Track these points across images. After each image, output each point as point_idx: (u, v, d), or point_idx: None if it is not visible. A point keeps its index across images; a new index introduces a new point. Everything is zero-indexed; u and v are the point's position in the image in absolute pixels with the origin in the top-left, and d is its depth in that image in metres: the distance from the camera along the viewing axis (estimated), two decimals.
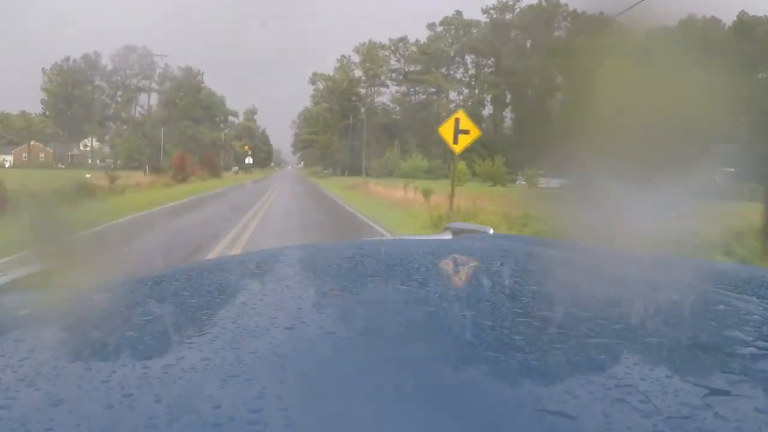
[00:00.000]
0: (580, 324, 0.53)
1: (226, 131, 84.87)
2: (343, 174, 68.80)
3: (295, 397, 0.38)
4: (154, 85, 76.34)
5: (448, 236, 1.25)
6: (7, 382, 0.42)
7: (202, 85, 79.07)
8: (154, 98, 76.49)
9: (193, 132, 74.34)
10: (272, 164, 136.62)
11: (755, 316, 0.58)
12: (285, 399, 0.38)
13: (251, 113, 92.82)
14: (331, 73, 77.58)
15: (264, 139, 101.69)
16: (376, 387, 0.40)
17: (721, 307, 0.61)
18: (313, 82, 78.94)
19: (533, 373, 0.42)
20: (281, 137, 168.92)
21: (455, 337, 0.50)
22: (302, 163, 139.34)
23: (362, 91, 78.19)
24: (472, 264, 0.86)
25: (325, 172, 70.94)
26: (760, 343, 0.48)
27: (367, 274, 0.80)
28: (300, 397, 0.38)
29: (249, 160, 71.54)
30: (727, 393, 0.39)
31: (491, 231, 1.24)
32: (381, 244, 1.14)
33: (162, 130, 68.69)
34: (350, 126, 74.73)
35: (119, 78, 75.80)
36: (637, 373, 0.42)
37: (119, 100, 75.63)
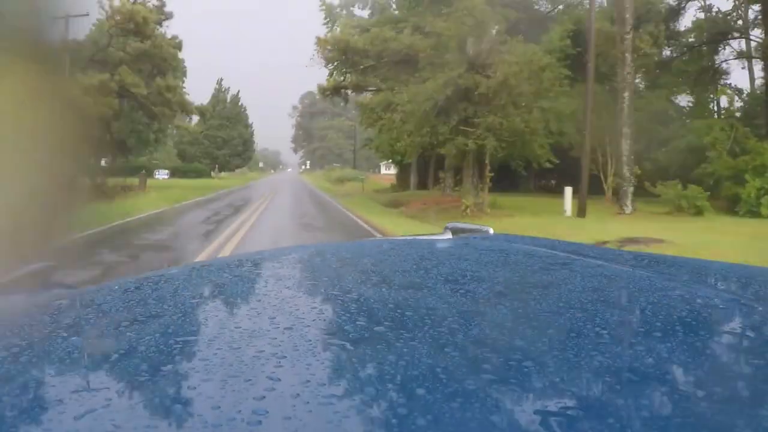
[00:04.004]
0: (581, 324, 0.54)
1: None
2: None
3: (294, 398, 0.38)
4: None
5: (447, 236, 1.26)
6: (4, 383, 0.42)
7: None
8: None
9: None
10: (261, 165, 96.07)
11: (755, 317, 0.61)
12: (285, 400, 0.38)
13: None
14: None
15: (238, 117, 59.88)
16: (375, 388, 0.41)
17: (723, 307, 0.64)
18: None
19: (534, 374, 0.43)
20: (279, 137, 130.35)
21: (455, 338, 0.50)
22: (308, 162, 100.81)
23: None
24: (472, 264, 0.87)
25: None
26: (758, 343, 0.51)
27: (367, 274, 0.81)
28: (299, 399, 0.38)
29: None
30: (726, 392, 0.41)
31: (491, 231, 1.26)
32: (381, 244, 1.16)
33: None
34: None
35: None
36: (640, 374, 0.43)
37: None
